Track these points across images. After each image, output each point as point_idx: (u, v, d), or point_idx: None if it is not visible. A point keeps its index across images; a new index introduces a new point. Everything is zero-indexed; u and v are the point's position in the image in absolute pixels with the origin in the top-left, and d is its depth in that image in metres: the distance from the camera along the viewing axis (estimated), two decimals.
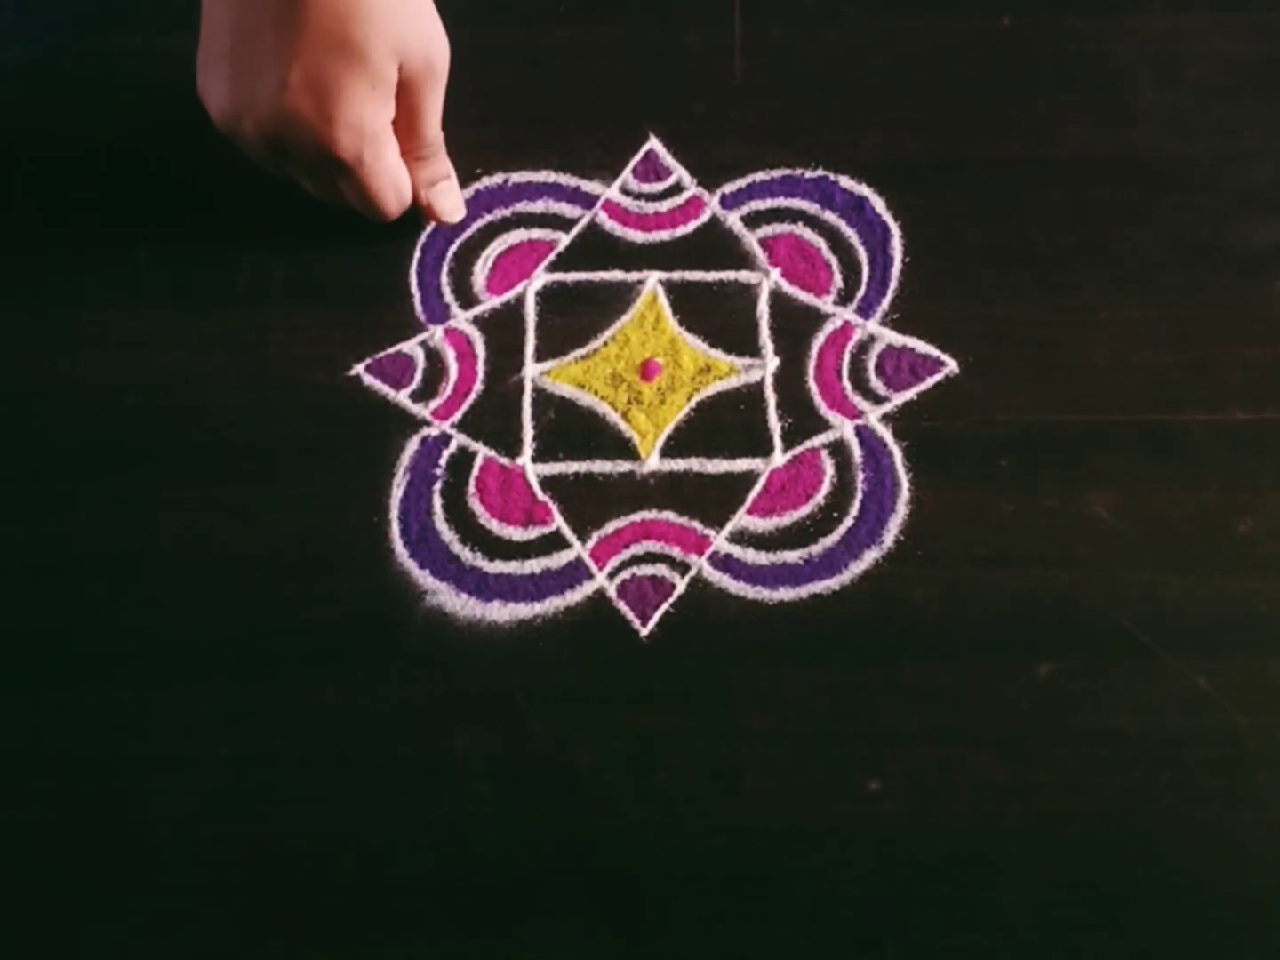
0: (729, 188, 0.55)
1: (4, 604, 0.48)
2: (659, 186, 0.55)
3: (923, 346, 0.51)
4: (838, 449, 0.49)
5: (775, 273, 0.53)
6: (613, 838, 0.44)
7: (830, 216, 0.54)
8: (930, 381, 0.50)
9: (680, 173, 0.55)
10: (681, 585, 0.47)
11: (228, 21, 0.47)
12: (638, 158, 0.55)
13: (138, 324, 0.53)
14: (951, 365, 0.50)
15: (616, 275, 0.53)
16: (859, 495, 0.48)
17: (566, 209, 0.54)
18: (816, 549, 0.47)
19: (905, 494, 0.48)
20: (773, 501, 0.48)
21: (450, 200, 0.52)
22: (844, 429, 0.50)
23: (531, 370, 0.51)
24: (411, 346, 0.52)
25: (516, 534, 0.48)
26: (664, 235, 0.54)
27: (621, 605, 0.47)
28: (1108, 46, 0.57)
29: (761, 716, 0.45)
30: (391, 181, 0.50)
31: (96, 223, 0.55)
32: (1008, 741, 0.44)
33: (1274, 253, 0.52)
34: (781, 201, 0.54)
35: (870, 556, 0.47)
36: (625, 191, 0.55)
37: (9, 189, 0.56)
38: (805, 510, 0.48)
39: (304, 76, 0.45)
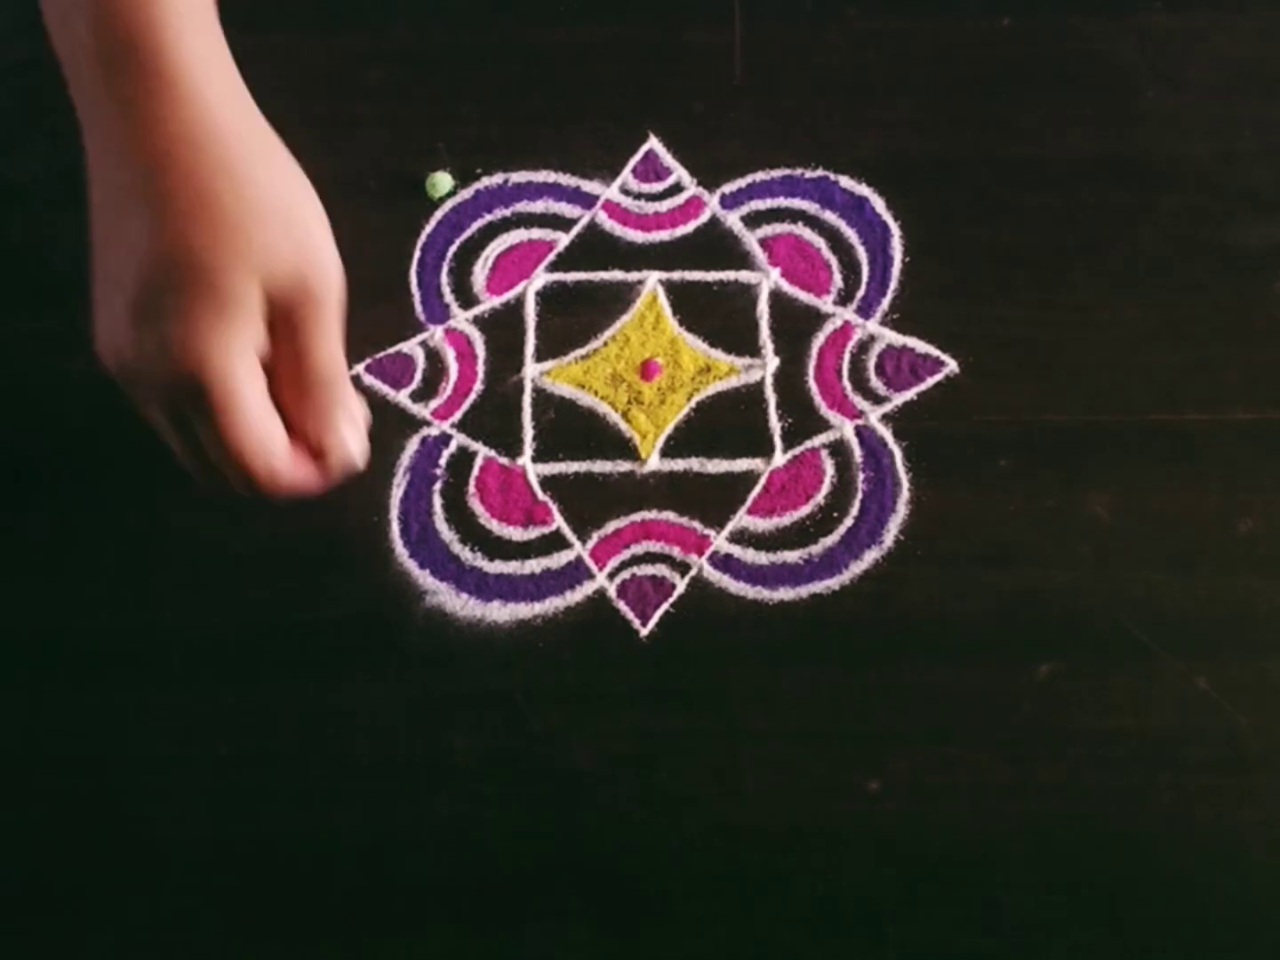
0: (729, 188, 0.55)
1: (4, 604, 0.48)
2: (659, 186, 0.55)
3: (923, 346, 0.51)
4: (838, 449, 0.49)
5: (775, 273, 0.53)
6: (613, 838, 0.44)
7: (830, 216, 0.54)
8: (930, 381, 0.50)
9: (680, 173, 0.55)
10: (681, 585, 0.47)
11: (100, 260, 0.39)
12: (638, 158, 0.55)
13: None
14: (951, 365, 0.50)
15: (616, 275, 0.53)
16: (859, 495, 0.48)
17: (566, 209, 0.54)
18: (816, 549, 0.47)
19: (905, 494, 0.48)
20: (773, 501, 0.48)
21: (350, 444, 0.40)
22: (844, 429, 0.50)
23: (531, 370, 0.51)
24: (411, 346, 0.52)
25: (516, 534, 0.48)
26: (664, 235, 0.54)
27: (621, 605, 0.47)
28: (1108, 46, 0.57)
29: (761, 716, 0.45)
30: (254, 427, 0.38)
31: None
32: (1008, 741, 0.44)
33: (1274, 253, 0.52)
34: (781, 201, 0.54)
35: (870, 556, 0.47)
36: (625, 191, 0.55)
37: (9, 188, 0.56)
38: (805, 510, 0.48)
39: (140, 300, 0.37)
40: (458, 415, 0.51)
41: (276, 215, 0.38)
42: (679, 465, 0.49)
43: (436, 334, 0.52)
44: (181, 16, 0.39)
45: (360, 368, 0.51)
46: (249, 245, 0.37)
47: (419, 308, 0.53)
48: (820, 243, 0.53)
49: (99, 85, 0.39)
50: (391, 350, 0.52)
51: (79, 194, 0.56)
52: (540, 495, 0.49)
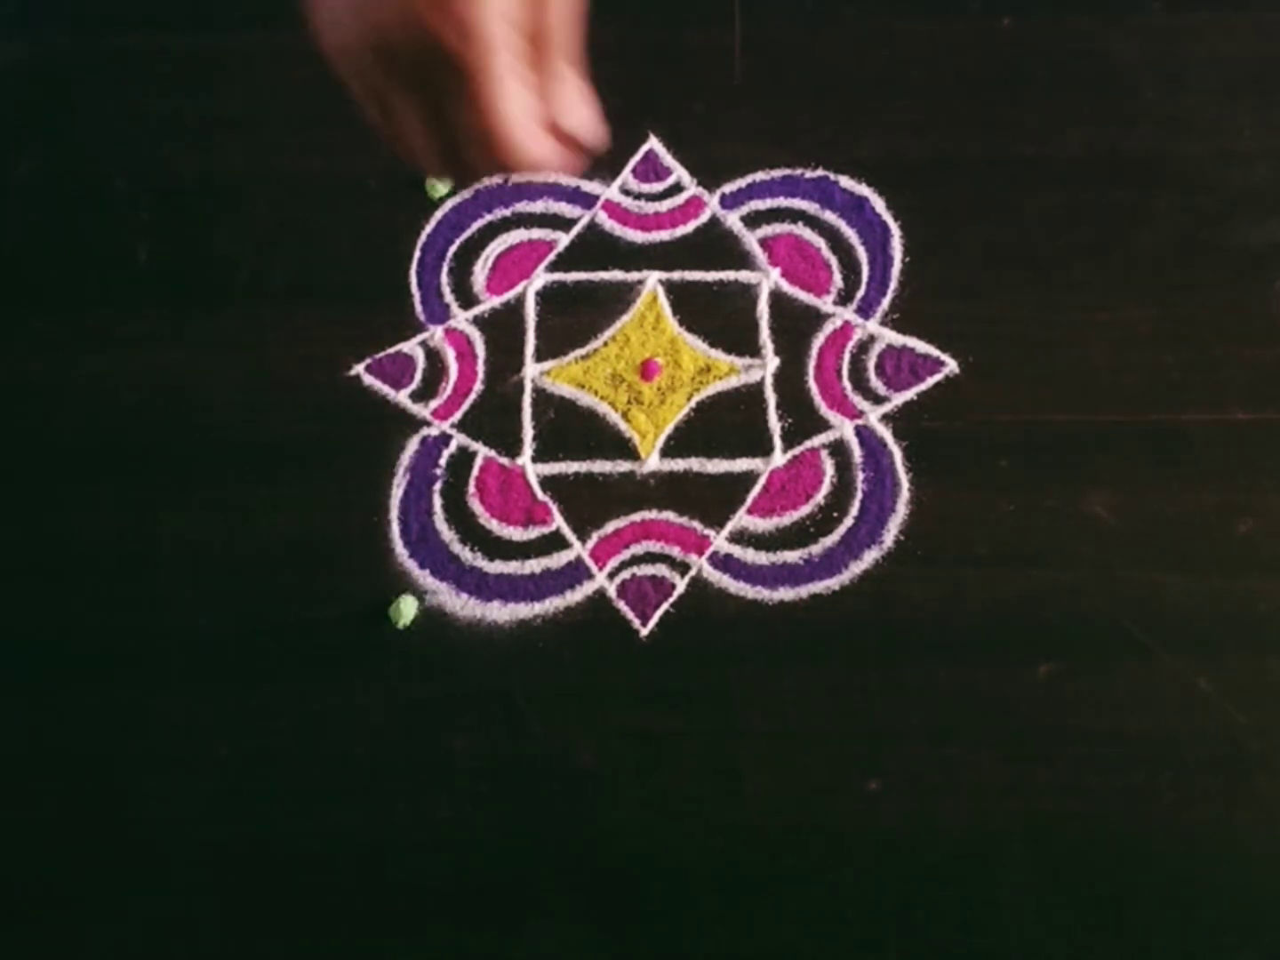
0: (729, 188, 0.55)
1: (4, 604, 0.48)
2: (659, 186, 0.55)
3: (923, 346, 0.51)
4: (838, 449, 0.49)
5: (775, 273, 0.53)
6: (613, 838, 0.44)
7: (830, 216, 0.54)
8: (930, 381, 0.50)
9: (680, 173, 0.55)
10: (681, 585, 0.47)
11: None
12: (638, 158, 0.55)
13: (138, 324, 0.53)
14: (951, 365, 0.50)
15: (616, 275, 0.53)
16: (859, 495, 0.48)
17: (566, 209, 0.54)
18: (816, 549, 0.47)
19: (905, 494, 0.48)
20: (773, 501, 0.48)
21: (586, 115, 0.39)
22: (844, 429, 0.50)
23: (531, 370, 0.51)
24: (411, 346, 0.52)
25: (516, 534, 0.48)
26: (664, 235, 0.54)
27: (621, 605, 0.47)
28: (1108, 46, 0.57)
29: (761, 716, 0.45)
30: (516, 92, 0.37)
31: (97, 223, 0.55)
32: (1008, 741, 0.44)
33: (1274, 253, 0.52)
34: (781, 201, 0.54)
35: (870, 556, 0.47)
36: (625, 191, 0.55)
37: (9, 189, 0.56)
38: (805, 510, 0.48)
39: None
40: (458, 415, 0.51)
41: None
42: (679, 465, 0.49)
43: (436, 334, 0.52)
44: None
45: (360, 368, 0.51)
46: None
47: (419, 308, 0.53)
48: (820, 243, 0.53)
49: None
50: (391, 350, 0.52)
51: (79, 194, 0.56)
52: (540, 495, 0.49)
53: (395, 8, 0.36)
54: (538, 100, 0.38)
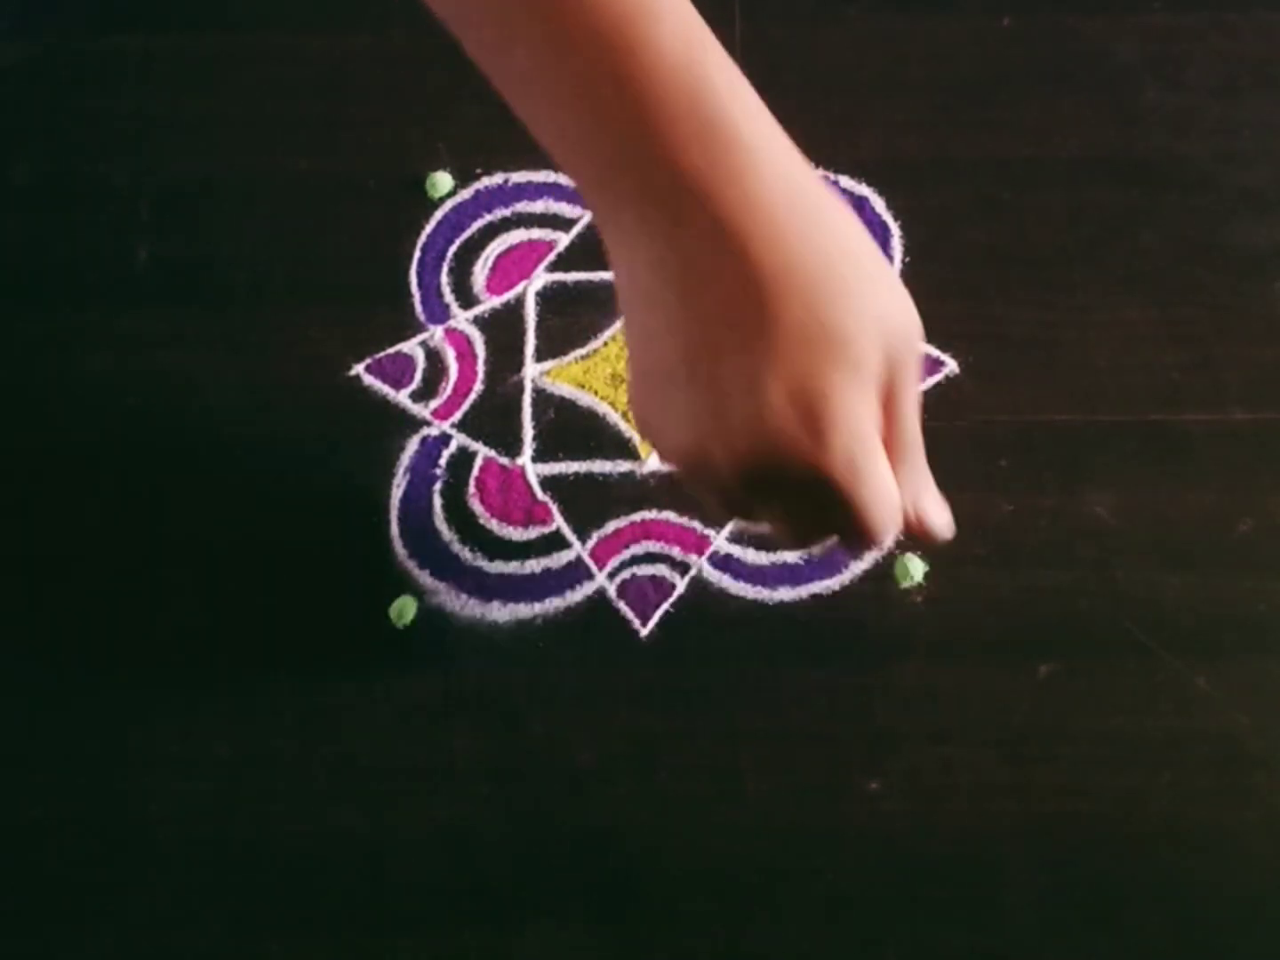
0: None
1: (4, 604, 0.48)
2: None
3: (922, 346, 0.51)
4: None
5: None
6: (613, 838, 0.44)
7: None
8: (930, 381, 0.50)
9: None
10: (681, 585, 0.47)
11: (676, 345, 0.35)
12: None
13: (138, 324, 0.53)
14: (951, 365, 0.50)
15: None
16: None
17: (566, 209, 0.54)
18: (816, 549, 0.47)
19: None
20: None
21: (942, 513, 0.40)
22: None
23: (531, 370, 0.51)
24: (411, 346, 0.52)
25: (516, 534, 0.48)
26: None
27: (621, 605, 0.47)
28: (1108, 46, 0.57)
29: (761, 716, 0.45)
30: (888, 498, 0.36)
31: (96, 223, 0.55)
32: (1008, 741, 0.44)
33: (1274, 253, 0.52)
34: None
35: (870, 556, 0.47)
36: None
37: (9, 188, 0.56)
38: None
39: (786, 388, 0.34)
40: (458, 415, 0.51)
41: (884, 278, 0.36)
42: None
43: (436, 334, 0.52)
44: (725, 70, 0.36)
45: (360, 368, 0.51)
46: (872, 309, 0.34)
47: (419, 308, 0.53)
48: None
49: (658, 156, 0.34)
50: (391, 350, 0.52)
51: (79, 194, 0.56)
52: (540, 495, 0.49)
53: (765, 436, 0.34)
54: (900, 492, 0.37)
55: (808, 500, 0.36)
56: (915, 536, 0.39)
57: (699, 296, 0.34)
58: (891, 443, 0.37)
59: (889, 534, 0.37)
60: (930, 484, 0.40)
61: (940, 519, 0.40)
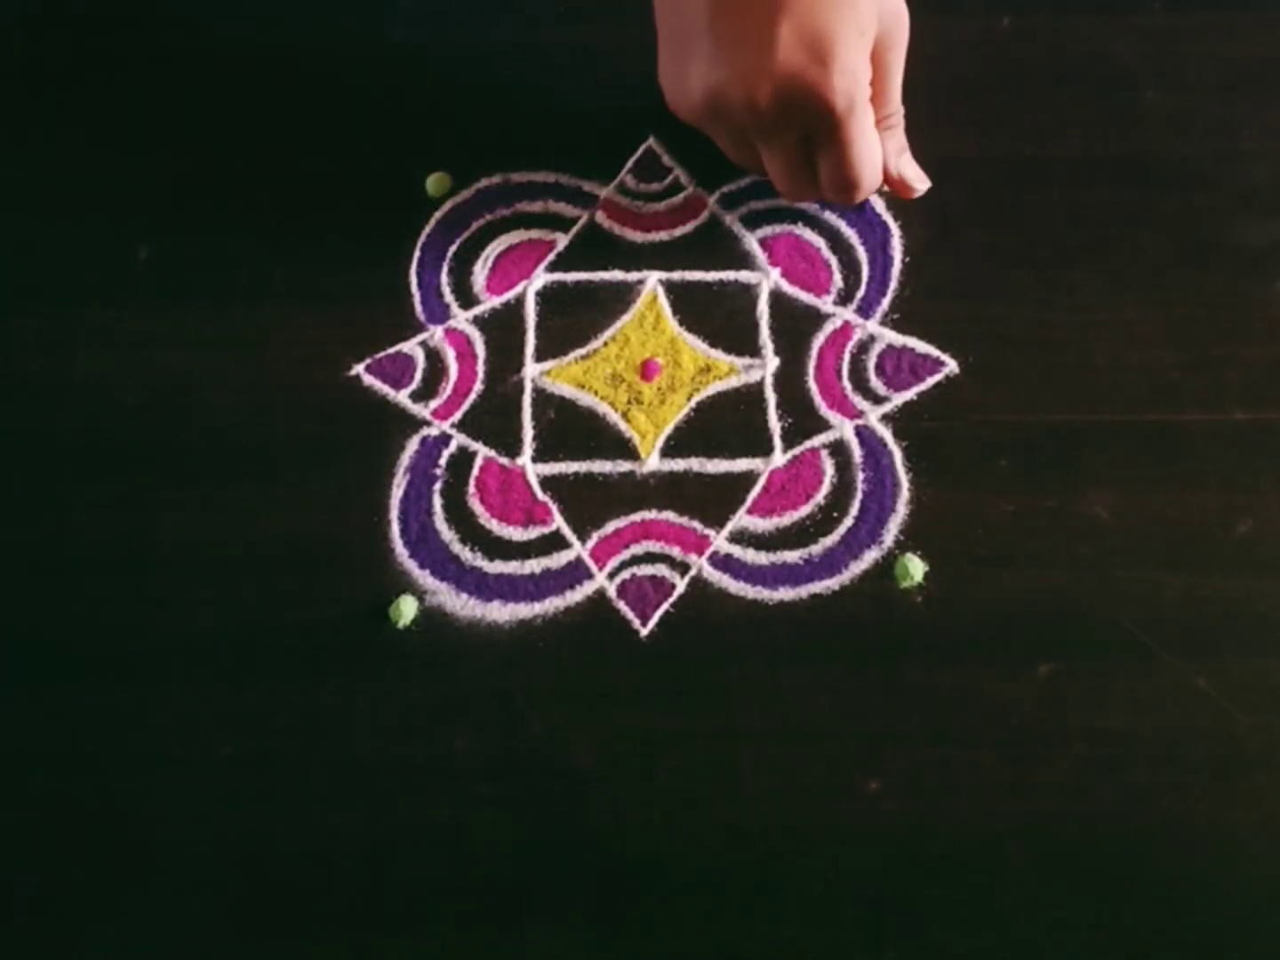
0: (729, 188, 0.55)
1: (4, 604, 0.48)
2: (658, 186, 0.55)
3: (923, 346, 0.51)
4: (838, 449, 0.49)
5: (775, 273, 0.53)
6: (613, 838, 0.44)
7: (830, 216, 0.54)
8: (930, 381, 0.50)
9: (679, 173, 0.55)
10: (681, 585, 0.47)
11: (701, 6, 0.45)
12: (637, 157, 0.55)
13: (138, 324, 0.53)
14: (951, 365, 0.50)
15: (616, 275, 0.53)
16: (859, 495, 0.48)
17: (566, 209, 0.54)
18: (816, 549, 0.47)
19: (905, 494, 0.48)
20: (773, 501, 0.48)
21: (917, 169, 0.51)
22: (844, 429, 0.50)
23: (531, 370, 0.51)
24: (411, 346, 0.52)
25: (516, 534, 0.48)
26: (663, 235, 0.54)
27: (621, 605, 0.47)
28: (1108, 46, 0.57)
29: (761, 716, 0.45)
30: (872, 146, 0.47)
31: (96, 223, 0.55)
32: (1008, 741, 0.44)
33: (1274, 253, 0.52)
34: (781, 201, 0.54)
35: (870, 556, 0.47)
36: (625, 191, 0.55)
37: (10, 187, 0.56)
38: (805, 510, 0.48)
39: (795, 30, 0.43)
40: (458, 415, 0.51)
41: None
42: (679, 465, 0.49)
43: (436, 334, 0.52)
44: None
45: (360, 368, 0.51)
46: None
47: (419, 308, 0.53)
48: (820, 242, 0.53)
49: None
50: (391, 350, 0.52)
51: (79, 194, 0.56)
52: (540, 495, 0.49)
53: (778, 73, 0.44)
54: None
55: (814, 131, 0.46)
56: (894, 191, 0.51)
57: None
58: (878, 103, 0.47)
59: (872, 181, 0.48)
60: (908, 150, 0.51)
61: (916, 172, 0.51)
